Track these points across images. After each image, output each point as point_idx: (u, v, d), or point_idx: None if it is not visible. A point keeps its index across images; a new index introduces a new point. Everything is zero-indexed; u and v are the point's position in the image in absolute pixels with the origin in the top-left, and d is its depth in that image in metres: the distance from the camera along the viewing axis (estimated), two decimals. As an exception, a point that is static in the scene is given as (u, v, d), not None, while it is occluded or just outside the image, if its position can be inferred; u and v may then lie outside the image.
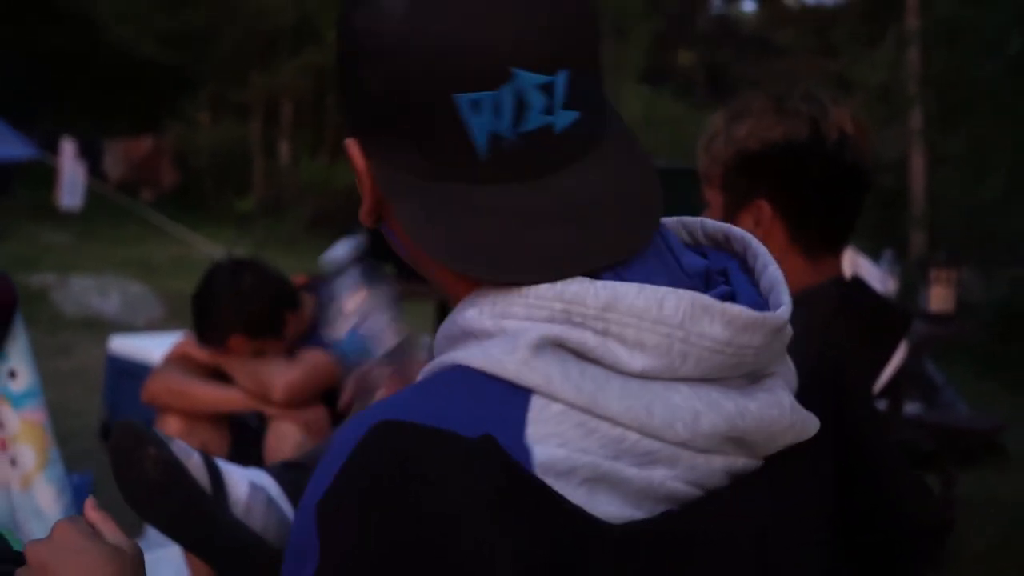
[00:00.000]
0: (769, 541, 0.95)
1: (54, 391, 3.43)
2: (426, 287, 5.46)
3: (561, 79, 0.95)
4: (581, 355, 0.92)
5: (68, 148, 15.64)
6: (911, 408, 5.66)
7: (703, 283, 1.01)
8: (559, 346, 0.91)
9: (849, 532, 1.03)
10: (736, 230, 1.07)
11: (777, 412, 0.96)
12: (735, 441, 0.94)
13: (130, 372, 5.24)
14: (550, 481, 0.87)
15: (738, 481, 0.96)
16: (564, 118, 0.95)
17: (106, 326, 9.03)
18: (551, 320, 0.92)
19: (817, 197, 1.98)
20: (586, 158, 0.98)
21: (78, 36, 19.58)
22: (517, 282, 0.93)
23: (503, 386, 0.90)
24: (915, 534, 1.06)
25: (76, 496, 4.10)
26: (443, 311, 5.59)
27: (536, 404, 0.90)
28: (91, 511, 1.13)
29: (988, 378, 8.96)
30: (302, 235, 16.82)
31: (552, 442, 0.89)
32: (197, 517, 1.59)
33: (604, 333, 0.91)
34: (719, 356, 0.93)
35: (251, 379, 3.17)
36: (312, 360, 3.20)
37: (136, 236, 15.36)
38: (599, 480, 0.89)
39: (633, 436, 0.90)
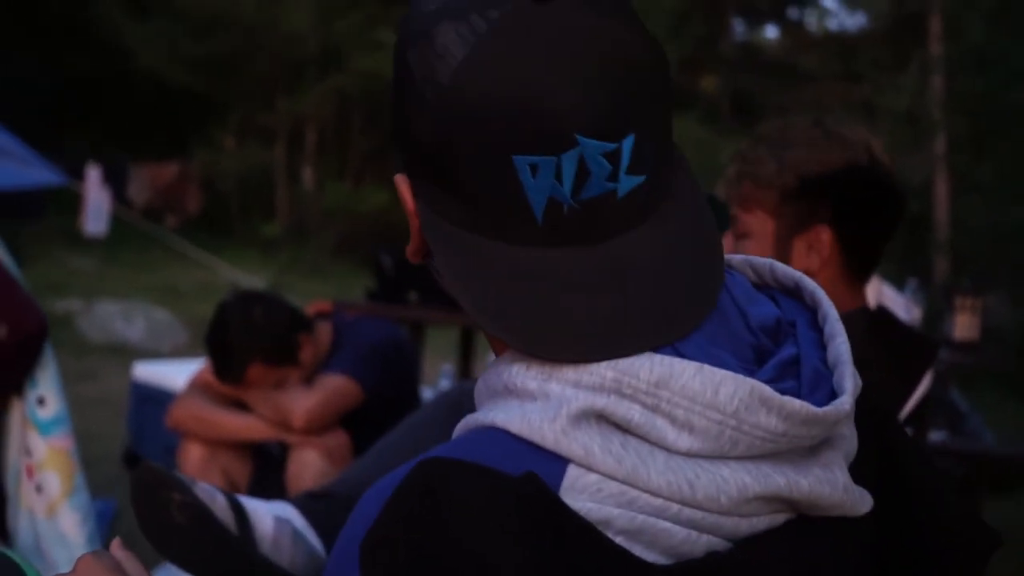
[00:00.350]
0: (821, 574, 0.93)
1: (78, 417, 3.44)
2: (449, 315, 5.46)
3: (627, 145, 0.90)
4: (624, 429, 0.88)
5: (93, 174, 15.72)
6: (936, 436, 5.62)
7: (771, 338, 0.97)
8: (601, 418, 0.88)
9: (895, 558, 1.01)
10: (808, 282, 1.03)
11: (829, 490, 0.92)
12: (782, 502, 0.92)
13: (154, 398, 5.25)
14: None
15: (788, 522, 0.93)
16: (627, 183, 0.91)
17: (131, 352, 9.05)
18: (600, 388, 0.88)
19: (871, 224, 1.97)
20: (646, 223, 0.94)
21: (106, 62, 19.72)
22: (554, 359, 0.89)
23: (539, 452, 0.87)
24: (966, 556, 1.04)
25: (98, 522, 4.10)
26: (468, 338, 5.58)
27: (572, 473, 0.87)
28: (117, 549, 1.10)
29: (1014, 405, 8.89)
30: (327, 260, 16.85)
31: (585, 500, 0.86)
32: (228, 559, 1.59)
33: (653, 409, 0.88)
34: (771, 444, 0.90)
35: (270, 407, 3.17)
36: (330, 385, 3.19)
37: (161, 262, 15.42)
38: (637, 532, 0.86)
39: (675, 507, 0.87)
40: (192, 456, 3.17)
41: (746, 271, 1.06)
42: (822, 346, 0.98)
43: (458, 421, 2.64)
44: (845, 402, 0.92)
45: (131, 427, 5.64)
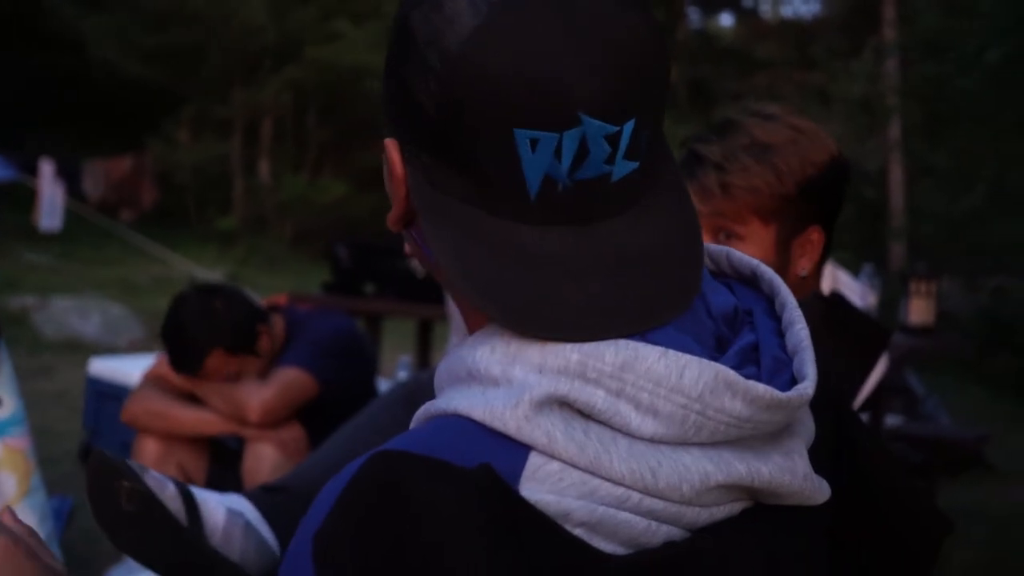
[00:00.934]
0: (779, 563, 0.93)
1: (34, 413, 3.40)
2: (406, 306, 5.45)
3: (627, 129, 0.90)
4: (587, 415, 0.88)
5: (46, 169, 15.57)
6: (892, 420, 5.67)
7: (729, 327, 0.98)
8: (564, 405, 0.87)
9: (851, 544, 1.02)
10: (766, 270, 1.03)
11: (789, 479, 0.92)
12: (742, 491, 0.92)
13: (111, 394, 5.21)
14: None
15: (745, 511, 0.93)
16: (622, 168, 0.91)
17: (87, 348, 8.98)
18: (564, 371, 0.87)
19: (839, 209, 1.99)
20: (635, 208, 0.94)
21: (58, 55, 19.53)
22: (542, 337, 0.89)
23: (501, 440, 0.87)
24: (920, 542, 1.04)
25: (55, 520, 4.07)
26: (425, 329, 5.57)
27: (533, 461, 0.86)
28: (7, 518, 1.03)
29: (970, 389, 8.98)
30: (284, 253, 16.79)
31: (544, 492, 0.86)
32: (172, 548, 1.57)
33: (617, 393, 0.87)
34: (735, 430, 0.89)
35: (225, 401, 3.15)
36: (284, 378, 3.18)
37: (116, 256, 15.30)
38: (596, 524, 0.86)
39: (636, 496, 0.87)
40: (148, 451, 3.15)
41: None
42: (780, 334, 0.99)
43: (414, 412, 2.63)
44: (807, 387, 0.92)
45: (87, 423, 5.60)
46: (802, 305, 2.03)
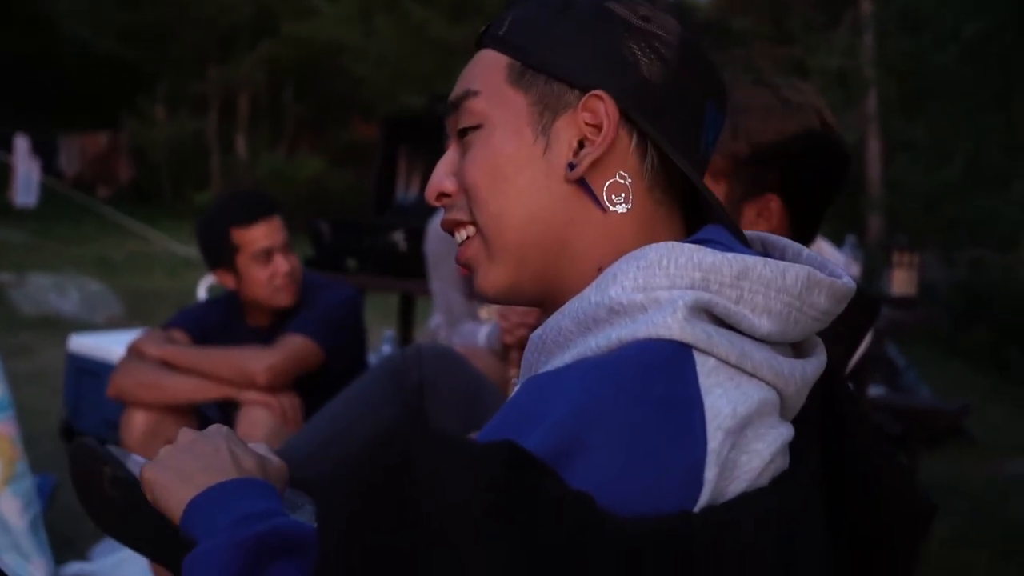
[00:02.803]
0: (795, 540, 0.98)
1: (13, 392, 3.38)
2: (388, 281, 5.42)
3: None
4: (721, 321, 1.00)
5: (21, 145, 15.48)
6: (874, 391, 5.69)
7: None
8: (705, 311, 0.99)
9: (839, 525, 1.04)
10: (772, 237, 1.18)
11: (817, 370, 1.07)
12: (796, 404, 1.05)
13: (91, 371, 5.19)
14: (722, 437, 0.94)
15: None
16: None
17: (65, 325, 8.93)
18: (692, 287, 1.00)
19: (818, 189, 1.98)
20: None
21: (32, 32, 19.38)
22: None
23: (668, 346, 0.96)
24: (903, 521, 1.07)
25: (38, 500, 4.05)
26: (407, 303, 5.56)
27: (699, 358, 0.97)
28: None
29: (950, 361, 9.03)
30: (261, 229, 16.71)
31: (717, 394, 0.96)
32: (157, 530, 1.57)
33: (737, 300, 1.01)
34: (816, 324, 1.05)
35: (226, 365, 3.13)
36: (293, 344, 3.18)
37: (93, 233, 15.23)
38: (757, 417, 0.97)
39: (767, 388, 0.99)
40: (136, 425, 3.13)
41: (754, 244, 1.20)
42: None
43: (400, 388, 2.62)
44: (850, 280, 1.09)
45: (68, 401, 5.57)
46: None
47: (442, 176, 1.16)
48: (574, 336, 1.03)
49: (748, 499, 0.95)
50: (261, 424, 3.05)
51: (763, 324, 1.00)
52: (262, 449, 1.32)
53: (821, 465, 1.05)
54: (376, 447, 0.86)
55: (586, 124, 1.12)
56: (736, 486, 0.95)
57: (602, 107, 1.11)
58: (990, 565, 4.26)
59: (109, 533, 1.58)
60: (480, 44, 1.18)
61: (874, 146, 14.60)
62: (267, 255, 3.25)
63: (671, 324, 0.96)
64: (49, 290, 10.24)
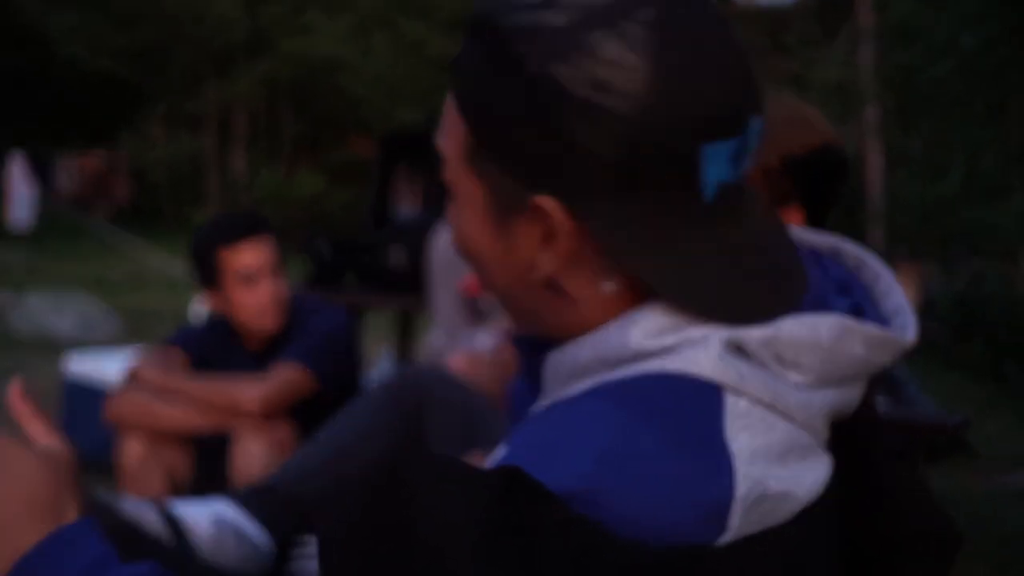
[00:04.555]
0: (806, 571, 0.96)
1: (9, 413, 3.35)
2: (387, 298, 5.41)
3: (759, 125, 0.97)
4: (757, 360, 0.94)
5: (17, 164, 15.48)
6: (877, 404, 5.68)
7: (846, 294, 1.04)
8: (740, 350, 0.93)
9: (856, 545, 1.02)
10: (848, 245, 1.09)
11: (856, 397, 1.01)
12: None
13: (87, 391, 5.17)
14: (744, 511, 0.88)
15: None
16: (748, 163, 0.98)
17: (62, 344, 8.91)
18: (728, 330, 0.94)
19: (831, 199, 2.00)
20: (750, 200, 1.00)
21: (28, 52, 19.40)
22: (738, 324, 0.94)
23: (696, 385, 0.91)
24: (925, 548, 1.05)
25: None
26: (406, 320, 5.56)
27: (729, 400, 0.91)
28: (17, 400, 1.08)
29: (947, 373, 9.02)
30: (259, 247, 16.72)
31: (745, 445, 0.90)
32: (166, 570, 1.57)
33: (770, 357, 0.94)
34: (852, 371, 0.97)
35: (219, 395, 3.12)
36: (284, 374, 3.16)
37: (91, 252, 15.23)
38: (780, 499, 0.91)
39: (798, 432, 0.93)
40: (131, 451, 3.11)
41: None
42: (872, 301, 1.05)
43: (398, 410, 2.60)
44: (911, 335, 0.99)
45: (64, 422, 5.55)
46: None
47: None
48: (597, 370, 0.96)
49: (768, 535, 0.91)
50: (255, 454, 3.04)
51: (793, 376, 0.94)
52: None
53: (840, 491, 1.01)
54: (373, 470, 0.85)
55: (542, 230, 0.96)
56: (759, 527, 0.91)
57: (549, 218, 0.95)
58: (992, 578, 4.25)
59: None
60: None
61: (874, 159, 14.62)
62: (252, 277, 3.23)
63: (702, 361, 0.91)
64: (46, 310, 10.22)
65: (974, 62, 11.57)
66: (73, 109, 21.04)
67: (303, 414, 3.14)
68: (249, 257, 3.23)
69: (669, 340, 0.93)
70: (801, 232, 1.09)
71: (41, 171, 16.81)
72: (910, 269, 4.46)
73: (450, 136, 1.01)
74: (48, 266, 13.90)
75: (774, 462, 0.91)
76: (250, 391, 3.09)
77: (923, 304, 4.72)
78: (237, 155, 20.79)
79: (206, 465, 3.16)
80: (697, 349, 0.92)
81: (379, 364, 4.27)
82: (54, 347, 8.71)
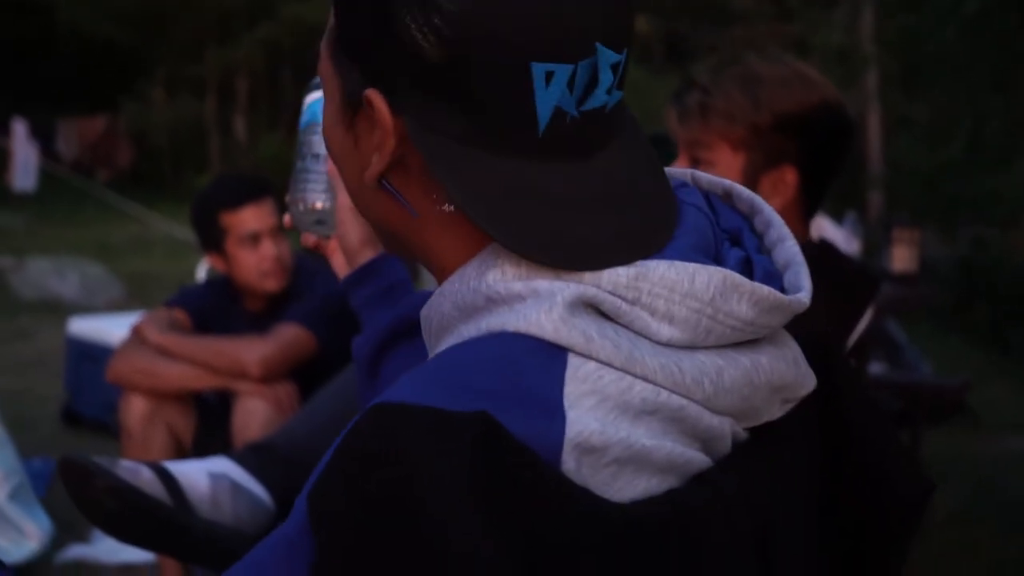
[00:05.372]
0: (773, 522, 0.94)
1: (14, 376, 3.38)
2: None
3: (624, 58, 0.92)
4: (612, 319, 0.89)
5: (19, 129, 15.45)
6: (874, 368, 5.68)
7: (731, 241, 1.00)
8: (591, 307, 0.88)
9: (836, 504, 1.02)
10: (741, 189, 1.04)
11: (784, 365, 0.95)
12: (743, 401, 0.93)
13: (91, 354, 5.19)
14: (576, 457, 0.84)
15: (738, 461, 0.94)
16: (614, 97, 0.92)
17: (65, 309, 8.92)
18: (581, 281, 0.89)
19: (831, 163, 1.99)
20: (618, 138, 0.96)
21: (29, 17, 19.33)
22: (577, 269, 0.89)
23: (538, 345, 0.87)
24: (902, 505, 1.05)
25: (36, 482, 4.06)
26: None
27: (573, 363, 0.86)
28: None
29: (950, 338, 9.02)
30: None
31: (587, 405, 0.86)
32: (166, 531, 1.59)
33: (634, 302, 0.89)
34: (739, 333, 0.92)
35: (220, 356, 3.13)
36: (286, 335, 3.17)
37: (93, 217, 15.22)
38: (627, 461, 0.86)
39: (665, 394, 0.88)
40: (135, 411, 3.12)
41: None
42: (763, 251, 1.00)
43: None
44: (805, 296, 0.95)
45: (68, 385, 5.57)
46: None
47: None
48: (456, 321, 0.93)
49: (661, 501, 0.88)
50: (257, 413, 3.05)
51: (663, 330, 0.89)
52: None
53: (820, 446, 1.00)
54: (358, 427, 0.83)
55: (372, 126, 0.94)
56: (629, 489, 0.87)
57: (377, 101, 0.92)
58: (991, 541, 4.27)
59: (116, 538, 1.59)
60: None
61: (874, 123, 14.56)
62: (255, 239, 3.23)
63: (544, 323, 0.86)
64: (49, 274, 10.23)
65: (979, 27, 11.49)
66: (74, 74, 20.98)
67: (304, 375, 3.15)
68: (252, 220, 3.23)
69: (519, 286, 0.89)
70: (693, 173, 1.04)
71: (43, 136, 16.78)
72: (907, 234, 4.45)
73: (327, 31, 0.99)
74: (51, 230, 13.89)
75: (624, 419, 0.86)
76: (252, 352, 3.10)
77: (921, 269, 4.72)
78: (238, 119, 20.73)
79: (208, 425, 3.18)
80: (540, 306, 0.87)
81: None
82: (57, 311, 8.73)
